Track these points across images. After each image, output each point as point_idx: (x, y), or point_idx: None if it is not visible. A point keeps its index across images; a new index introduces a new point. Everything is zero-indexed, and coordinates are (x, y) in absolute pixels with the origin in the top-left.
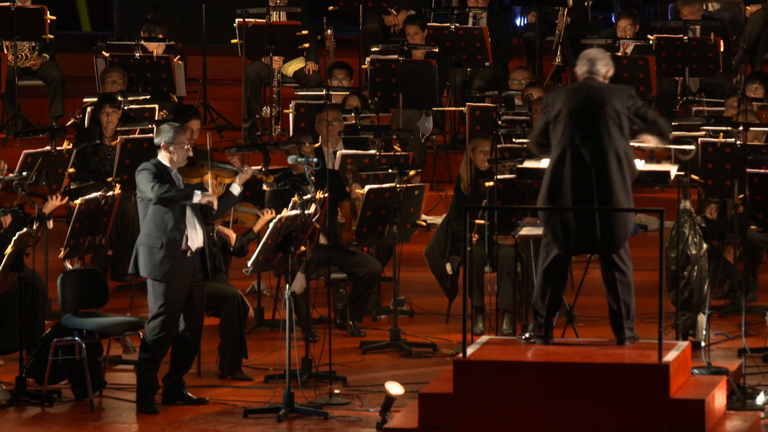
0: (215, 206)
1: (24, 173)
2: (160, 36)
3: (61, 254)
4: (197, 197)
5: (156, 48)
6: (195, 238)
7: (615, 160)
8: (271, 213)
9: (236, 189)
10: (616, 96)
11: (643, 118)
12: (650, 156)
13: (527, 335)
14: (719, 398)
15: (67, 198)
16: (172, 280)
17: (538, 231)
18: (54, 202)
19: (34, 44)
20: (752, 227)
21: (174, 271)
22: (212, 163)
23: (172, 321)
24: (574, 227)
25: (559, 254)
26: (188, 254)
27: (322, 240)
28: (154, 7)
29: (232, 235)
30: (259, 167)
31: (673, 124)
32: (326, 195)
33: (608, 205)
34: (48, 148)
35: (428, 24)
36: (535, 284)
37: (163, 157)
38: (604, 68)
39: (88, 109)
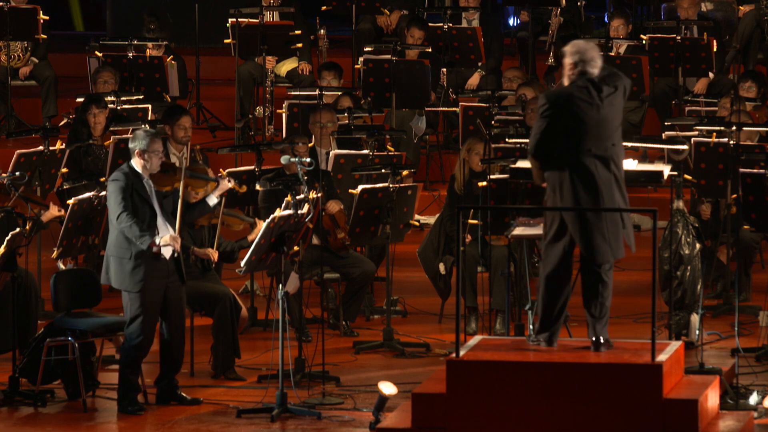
0: (178, 249)
1: (17, 173)
2: (163, 35)
3: (54, 254)
4: (157, 245)
5: (154, 50)
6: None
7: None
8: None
9: (212, 200)
10: (622, 96)
11: None
12: (643, 156)
13: (534, 336)
14: (712, 398)
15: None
16: (146, 287)
17: (531, 231)
18: (53, 212)
19: (26, 44)
20: (745, 227)
21: (147, 278)
22: (187, 172)
23: (151, 324)
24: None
25: (563, 256)
26: (160, 258)
27: (315, 240)
28: (155, 14)
29: (213, 254)
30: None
31: (666, 123)
32: (319, 195)
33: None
34: (41, 148)
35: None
36: (539, 287)
37: (136, 163)
38: (596, 70)
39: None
